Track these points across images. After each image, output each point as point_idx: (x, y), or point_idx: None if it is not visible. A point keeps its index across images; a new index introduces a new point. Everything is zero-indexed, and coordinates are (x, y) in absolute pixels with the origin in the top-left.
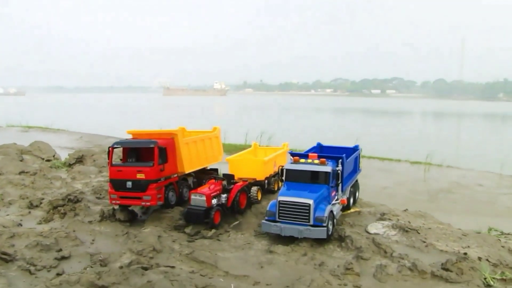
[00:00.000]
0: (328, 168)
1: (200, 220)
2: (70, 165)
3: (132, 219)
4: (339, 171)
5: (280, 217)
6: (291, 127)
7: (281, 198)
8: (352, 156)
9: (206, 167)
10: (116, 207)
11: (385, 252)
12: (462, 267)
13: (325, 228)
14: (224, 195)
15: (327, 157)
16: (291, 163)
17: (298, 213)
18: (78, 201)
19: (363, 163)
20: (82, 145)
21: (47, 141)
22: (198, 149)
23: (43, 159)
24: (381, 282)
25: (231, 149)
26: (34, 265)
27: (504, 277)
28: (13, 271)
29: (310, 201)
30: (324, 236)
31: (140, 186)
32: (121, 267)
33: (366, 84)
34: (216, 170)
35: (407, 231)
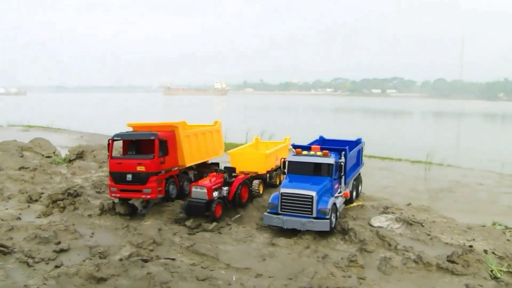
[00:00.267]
0: (331, 160)
1: (201, 213)
2: (70, 161)
3: (132, 212)
4: (342, 163)
5: (283, 210)
6: (292, 125)
7: (283, 190)
8: (355, 149)
9: (207, 161)
10: (116, 200)
11: (389, 244)
12: (468, 259)
13: (328, 220)
14: (225, 188)
15: (330, 149)
16: (294, 155)
17: (300, 205)
18: (77, 195)
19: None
20: (83, 144)
21: (48, 140)
22: (199, 143)
23: (43, 155)
24: (386, 275)
25: (232, 147)
26: (32, 258)
27: (511, 270)
28: (11, 264)
29: (313, 193)
30: (327, 229)
31: (140, 179)
32: (120, 260)
33: (366, 84)
34: (217, 164)
35: (411, 224)
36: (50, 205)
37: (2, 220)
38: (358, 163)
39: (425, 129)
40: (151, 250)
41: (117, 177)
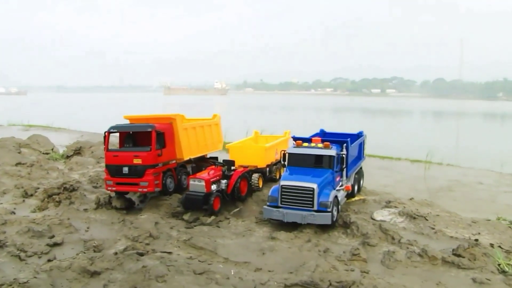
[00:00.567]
0: (332, 152)
1: (199, 206)
2: (68, 157)
3: (128, 206)
4: (343, 155)
5: (283, 203)
6: (292, 124)
7: (283, 183)
8: (356, 141)
9: (206, 155)
10: (112, 194)
11: (393, 238)
12: (475, 252)
13: (330, 213)
14: (224, 181)
15: (331, 141)
16: (294, 147)
17: (301, 198)
18: (73, 189)
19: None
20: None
21: (46, 137)
22: (197, 136)
23: (41, 152)
24: (390, 269)
25: None
26: (25, 251)
27: None
28: (2, 257)
29: (314, 185)
30: (329, 222)
31: (137, 172)
32: (115, 253)
33: (366, 84)
34: (216, 158)
35: (414, 218)
36: (46, 199)
37: None
38: (360, 156)
39: (424, 129)
40: (147, 244)
41: (113, 170)
